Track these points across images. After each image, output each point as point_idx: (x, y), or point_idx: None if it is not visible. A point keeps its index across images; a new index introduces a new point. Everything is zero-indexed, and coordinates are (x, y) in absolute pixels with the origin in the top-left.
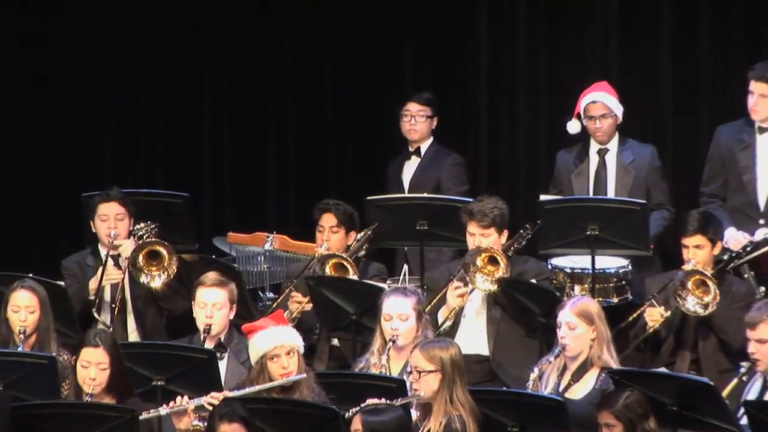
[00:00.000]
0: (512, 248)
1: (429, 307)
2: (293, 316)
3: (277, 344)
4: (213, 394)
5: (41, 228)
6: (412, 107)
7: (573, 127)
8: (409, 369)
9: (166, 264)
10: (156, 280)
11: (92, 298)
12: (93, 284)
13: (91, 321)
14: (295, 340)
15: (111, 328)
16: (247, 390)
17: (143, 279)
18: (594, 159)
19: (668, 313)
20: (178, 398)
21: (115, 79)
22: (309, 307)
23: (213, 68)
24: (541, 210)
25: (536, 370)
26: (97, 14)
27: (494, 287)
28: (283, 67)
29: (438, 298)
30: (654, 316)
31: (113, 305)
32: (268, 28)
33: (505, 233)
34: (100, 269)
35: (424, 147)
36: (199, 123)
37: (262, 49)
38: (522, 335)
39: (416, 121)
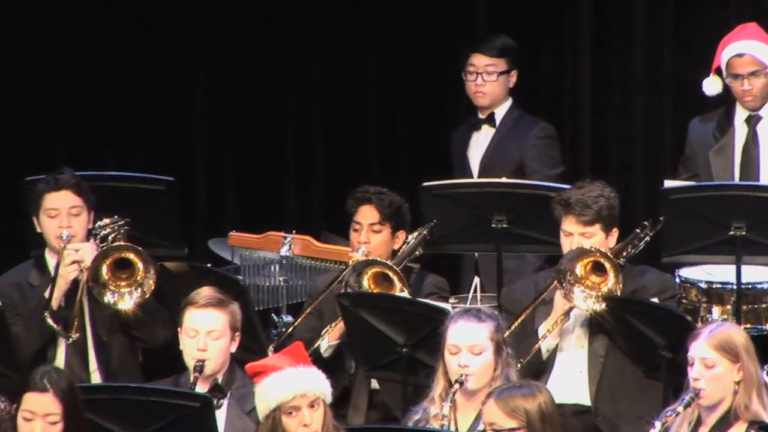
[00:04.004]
0: (625, 254)
1: (507, 333)
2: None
3: (297, 393)
4: None
5: None
6: (479, 61)
7: (711, 86)
8: (482, 426)
9: (140, 277)
10: (126, 299)
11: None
12: (47, 293)
13: (44, 357)
14: (320, 386)
15: (71, 339)
16: None
17: (108, 298)
18: (741, 130)
19: None
20: None
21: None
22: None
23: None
24: (665, 201)
25: (658, 424)
26: None
27: (600, 306)
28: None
29: (519, 322)
30: None
31: (74, 316)
32: None
33: (615, 233)
34: (56, 264)
35: (499, 113)
36: (189, 93)
37: None
38: (638, 376)
39: (484, 81)
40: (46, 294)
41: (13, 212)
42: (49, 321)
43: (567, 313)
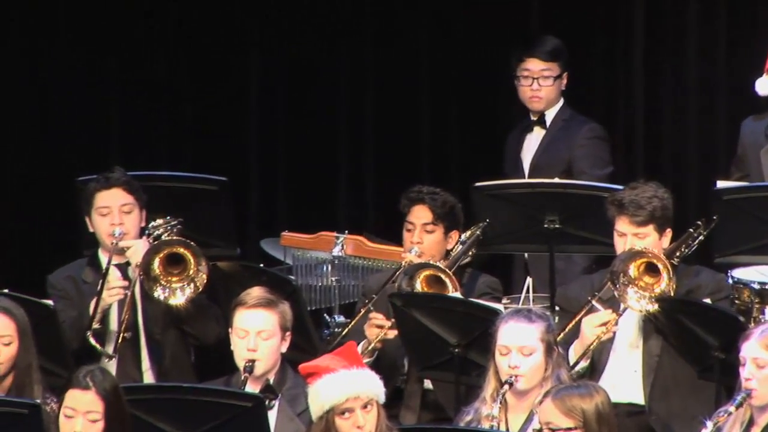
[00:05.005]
0: (678, 254)
1: (561, 335)
2: (371, 347)
3: (350, 395)
4: None
5: (19, 227)
6: (534, 65)
7: (764, 86)
8: (537, 426)
9: (191, 272)
10: (177, 295)
11: (96, 325)
12: (92, 306)
13: (92, 355)
14: (373, 387)
15: (113, 359)
16: None
17: (159, 293)
18: None
19: None
20: None
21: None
22: (393, 335)
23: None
24: (718, 201)
25: (710, 424)
26: None
27: (653, 307)
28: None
29: (573, 323)
30: None
31: (119, 332)
32: None
33: (668, 233)
34: (101, 283)
35: (550, 114)
36: (244, 90)
37: None
38: (691, 377)
39: (540, 86)
40: (91, 309)
41: (66, 213)
42: (92, 341)
43: (594, 343)
